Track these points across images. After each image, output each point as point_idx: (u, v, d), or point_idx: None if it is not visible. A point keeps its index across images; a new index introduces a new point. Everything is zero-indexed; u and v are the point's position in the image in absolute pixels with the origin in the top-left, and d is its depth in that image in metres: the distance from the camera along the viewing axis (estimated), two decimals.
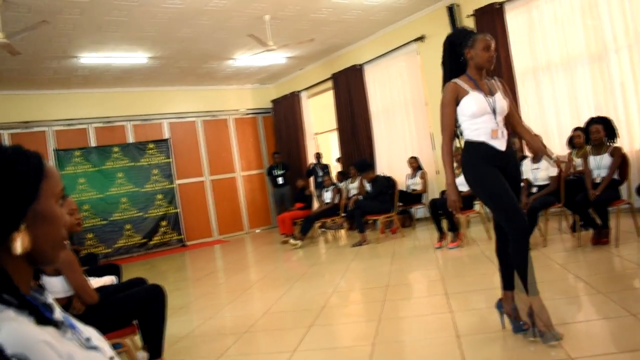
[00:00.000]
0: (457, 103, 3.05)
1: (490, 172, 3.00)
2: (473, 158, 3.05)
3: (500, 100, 3.05)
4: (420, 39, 8.88)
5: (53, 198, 1.06)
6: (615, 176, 5.20)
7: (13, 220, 0.97)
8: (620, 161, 5.18)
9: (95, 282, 3.53)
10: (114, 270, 4.33)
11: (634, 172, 6.01)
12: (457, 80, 3.08)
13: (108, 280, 3.71)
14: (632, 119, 6.50)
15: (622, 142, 6.29)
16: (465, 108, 3.01)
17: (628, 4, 6.40)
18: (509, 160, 3.07)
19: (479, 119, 3.00)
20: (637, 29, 6.37)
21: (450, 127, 3.09)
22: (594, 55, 6.82)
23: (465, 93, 3.03)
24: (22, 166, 1.00)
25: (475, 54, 3.03)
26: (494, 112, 3.00)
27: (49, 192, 1.05)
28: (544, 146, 3.41)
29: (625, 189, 5.37)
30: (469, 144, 3.05)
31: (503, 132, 3.03)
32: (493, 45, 3.05)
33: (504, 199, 2.95)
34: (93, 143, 10.69)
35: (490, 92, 3.05)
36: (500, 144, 3.03)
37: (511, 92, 7.43)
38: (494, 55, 3.04)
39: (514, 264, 2.99)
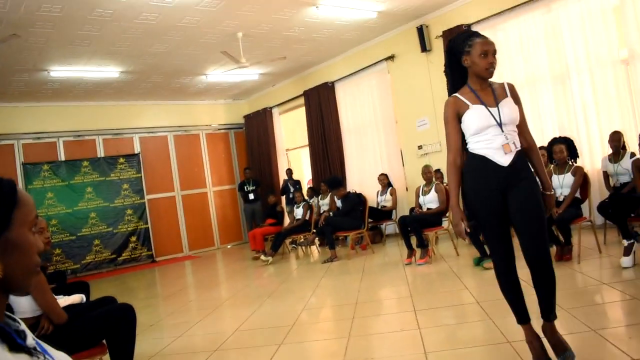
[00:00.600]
0: (460, 119, 2.75)
1: (482, 194, 2.72)
2: (470, 172, 2.76)
3: (508, 107, 2.69)
4: (391, 58, 9.06)
5: (26, 226, 1.05)
6: (577, 195, 5.39)
7: None
8: (582, 180, 5.37)
9: (64, 300, 3.49)
10: (83, 288, 4.30)
11: (595, 191, 6.21)
12: (458, 94, 2.78)
13: (77, 298, 3.67)
14: (592, 138, 6.74)
15: (584, 161, 6.52)
16: (468, 125, 2.72)
17: (589, 29, 6.67)
18: (516, 179, 2.67)
19: (482, 133, 2.69)
20: (597, 53, 6.64)
21: (454, 145, 2.78)
22: (557, 77, 7.08)
23: (467, 108, 2.72)
24: None
25: (472, 62, 2.69)
26: (499, 123, 2.66)
27: (22, 220, 1.04)
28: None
29: (586, 206, 5.57)
30: (471, 154, 2.75)
31: (512, 146, 2.67)
32: (493, 49, 2.67)
33: (487, 229, 2.77)
34: (62, 157, 10.55)
35: (495, 101, 2.70)
36: (505, 159, 2.66)
37: None
38: (493, 62, 2.67)
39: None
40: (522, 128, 2.76)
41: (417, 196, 7.03)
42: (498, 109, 2.68)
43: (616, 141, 5.77)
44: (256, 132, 12.42)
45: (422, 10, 8.15)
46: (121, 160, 11.05)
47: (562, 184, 5.40)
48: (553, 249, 5.53)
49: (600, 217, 5.81)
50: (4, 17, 6.23)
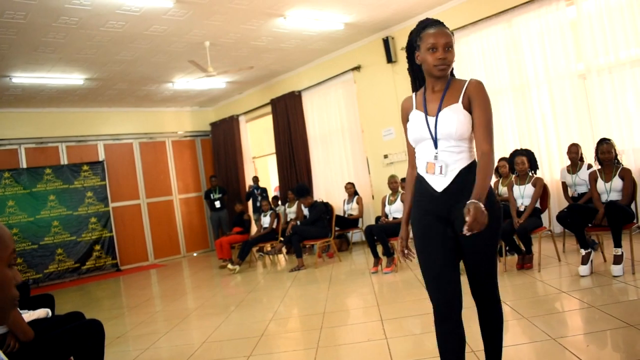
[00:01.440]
0: None
1: (420, 220, 2.31)
2: (414, 195, 2.38)
3: (446, 118, 2.20)
4: (357, 68, 9.18)
5: (2, 262, 1.05)
6: (537, 205, 5.58)
7: None
8: (542, 191, 5.56)
9: (29, 315, 3.44)
10: (48, 301, 4.22)
11: (554, 201, 6.43)
12: (414, 94, 2.41)
13: (42, 313, 3.61)
14: (551, 149, 6.97)
15: (543, 171, 6.74)
16: (407, 134, 2.37)
17: (547, 43, 6.90)
18: (455, 208, 2.18)
19: (419, 145, 2.30)
20: (556, 66, 6.87)
21: (409, 153, 2.46)
22: (517, 89, 7.30)
23: (411, 111, 2.37)
24: None
25: (422, 58, 2.23)
26: (434, 137, 2.23)
27: None
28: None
29: (546, 216, 5.77)
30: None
31: (445, 167, 2.21)
32: (444, 41, 2.16)
33: (423, 263, 2.29)
34: (24, 164, 10.33)
35: (438, 108, 2.24)
36: (437, 183, 2.24)
37: None
38: (445, 58, 2.17)
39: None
40: (477, 136, 2.20)
41: (383, 205, 7.14)
42: (436, 118, 2.23)
43: (574, 153, 6.01)
44: (222, 140, 12.40)
45: (388, 23, 8.30)
46: (85, 167, 10.88)
47: (522, 194, 5.58)
48: (514, 258, 5.72)
49: (560, 225, 6.03)
50: None
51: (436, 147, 2.23)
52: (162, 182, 12.16)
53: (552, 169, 6.91)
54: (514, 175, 6.06)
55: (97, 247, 10.81)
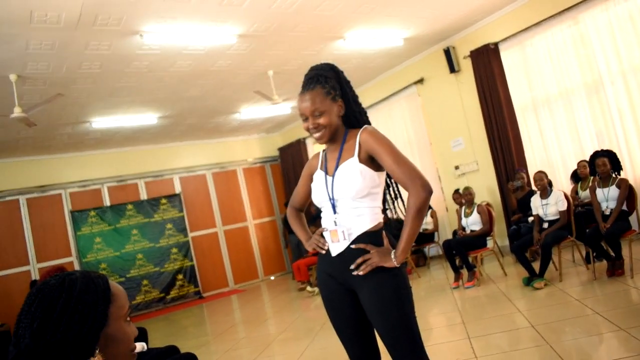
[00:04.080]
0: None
1: (323, 281, 2.16)
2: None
3: (341, 177, 2.04)
4: (420, 81, 9.10)
5: (121, 319, 1.17)
6: (624, 207, 5.32)
7: (88, 347, 1.08)
8: (628, 192, 5.30)
9: None
10: (141, 334, 4.40)
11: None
12: (322, 151, 2.29)
13: (139, 347, 3.76)
14: (632, 147, 6.63)
15: (626, 170, 6.41)
16: (312, 195, 2.21)
17: (619, 35, 6.61)
18: (354, 278, 2.02)
19: (323, 209, 2.12)
20: (630, 58, 6.56)
21: (294, 199, 2.42)
22: (590, 86, 7.01)
23: (315, 171, 2.24)
24: (91, 296, 1.11)
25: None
26: (331, 199, 2.06)
27: (117, 314, 1.16)
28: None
29: (634, 218, 5.47)
30: None
31: (346, 231, 2.02)
32: (309, 110, 2.08)
33: (335, 327, 2.19)
34: (107, 202, 10.88)
35: (336, 166, 2.09)
36: (334, 246, 2.07)
37: (511, 128, 7.69)
38: (316, 127, 2.09)
39: None
40: (401, 181, 2.04)
41: (460, 218, 7.01)
42: (333, 179, 2.07)
43: None
44: (291, 164, 12.58)
45: (448, 32, 8.21)
46: (163, 201, 11.34)
47: (607, 197, 5.35)
48: (603, 264, 5.47)
49: None
50: (48, 78, 6.56)
51: (335, 211, 2.06)
52: (236, 209, 12.46)
53: (635, 167, 6.57)
54: (592, 178, 5.82)
55: (180, 277, 11.19)
